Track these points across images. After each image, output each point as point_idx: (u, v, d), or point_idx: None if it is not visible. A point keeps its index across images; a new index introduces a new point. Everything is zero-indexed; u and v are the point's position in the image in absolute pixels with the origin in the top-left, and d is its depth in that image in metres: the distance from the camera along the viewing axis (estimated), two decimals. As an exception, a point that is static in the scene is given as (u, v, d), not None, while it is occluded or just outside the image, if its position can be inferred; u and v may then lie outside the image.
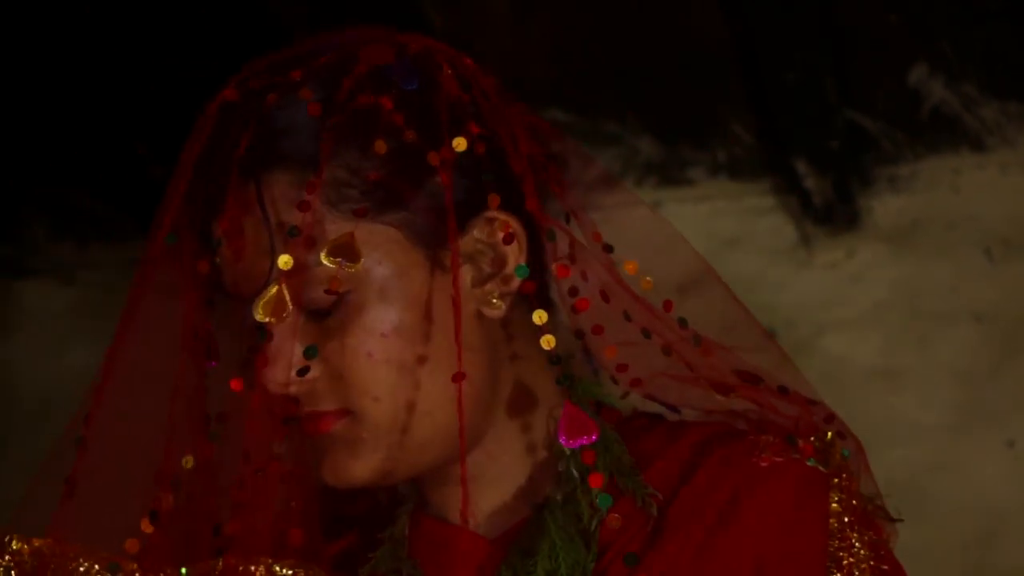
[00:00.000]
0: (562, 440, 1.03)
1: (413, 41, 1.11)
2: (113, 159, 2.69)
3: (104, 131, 2.63)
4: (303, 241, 1.02)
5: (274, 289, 1.02)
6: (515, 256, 1.07)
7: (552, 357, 1.04)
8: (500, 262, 1.07)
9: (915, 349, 2.60)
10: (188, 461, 1.04)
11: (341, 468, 1.05)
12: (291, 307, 1.02)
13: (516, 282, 1.07)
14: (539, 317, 1.04)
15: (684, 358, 1.10)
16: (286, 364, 1.03)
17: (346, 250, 1.03)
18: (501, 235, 1.07)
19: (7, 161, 2.72)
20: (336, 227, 1.03)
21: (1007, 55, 2.43)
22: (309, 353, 1.02)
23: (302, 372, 1.03)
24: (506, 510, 1.09)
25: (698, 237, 2.67)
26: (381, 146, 1.03)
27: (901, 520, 1.12)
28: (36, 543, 1.04)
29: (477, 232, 1.07)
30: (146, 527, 1.02)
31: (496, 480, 1.09)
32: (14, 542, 1.05)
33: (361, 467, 1.05)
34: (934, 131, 2.57)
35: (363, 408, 1.04)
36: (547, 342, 1.03)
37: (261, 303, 1.02)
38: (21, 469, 2.81)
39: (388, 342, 1.03)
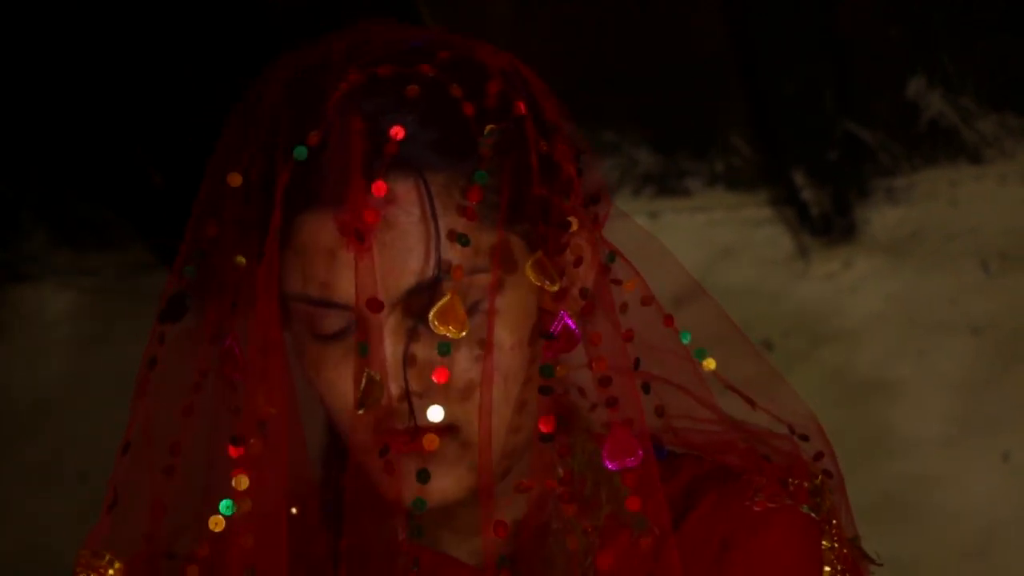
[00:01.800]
0: (606, 461, 1.01)
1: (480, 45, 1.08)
2: (112, 165, 2.69)
3: (103, 137, 2.63)
4: (465, 249, 0.97)
5: (448, 298, 0.97)
6: (582, 279, 1.04)
7: (557, 387, 1.02)
8: (570, 282, 1.04)
9: (912, 361, 2.61)
10: (241, 482, 0.98)
11: (434, 488, 1.00)
12: (468, 321, 0.98)
13: (579, 304, 1.04)
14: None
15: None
16: (424, 376, 0.98)
17: (510, 262, 1.00)
18: (573, 257, 1.04)
19: (5, 167, 2.72)
20: (484, 235, 0.99)
21: (1005, 68, 2.44)
22: (443, 350, 0.97)
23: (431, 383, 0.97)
24: (497, 538, 1.07)
25: (695, 247, 2.70)
26: (534, 159, 1.00)
27: (881, 564, 1.12)
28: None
29: (569, 252, 1.04)
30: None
31: (498, 507, 1.05)
32: (115, 563, 1.03)
33: (456, 484, 1.01)
34: (932, 143, 2.57)
35: (472, 423, 1.00)
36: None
37: (435, 312, 0.97)
38: (18, 472, 2.82)
39: (510, 356, 1.00)
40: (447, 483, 1.01)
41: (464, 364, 0.99)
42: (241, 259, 1.00)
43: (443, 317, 0.97)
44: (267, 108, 1.02)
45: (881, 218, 2.67)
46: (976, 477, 2.53)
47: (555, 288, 1.00)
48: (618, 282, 1.05)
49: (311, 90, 1.00)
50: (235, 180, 1.01)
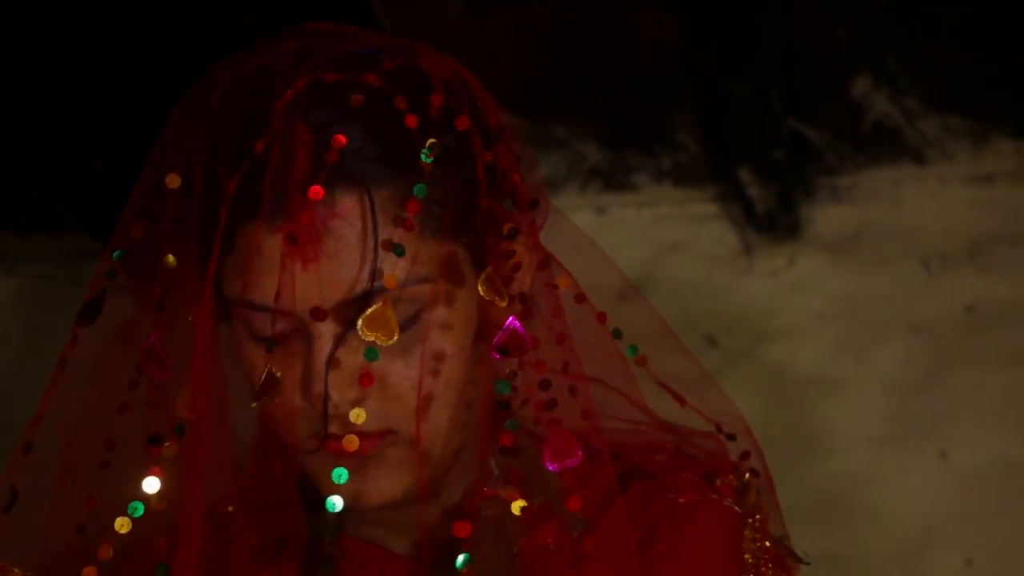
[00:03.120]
0: (547, 463, 1.03)
1: (422, 48, 1.08)
2: (56, 151, 2.66)
3: (47, 123, 2.61)
4: (401, 260, 0.99)
5: (378, 306, 0.98)
6: (519, 283, 1.06)
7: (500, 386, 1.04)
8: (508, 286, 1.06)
9: (852, 359, 2.63)
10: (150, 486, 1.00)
11: (372, 489, 1.02)
12: (398, 330, 0.99)
13: (518, 309, 1.05)
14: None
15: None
16: (350, 380, 0.99)
17: (454, 273, 1.02)
18: (512, 262, 1.06)
19: (-52, 150, 2.69)
20: (425, 246, 1.00)
21: (949, 71, 2.46)
22: (371, 355, 0.98)
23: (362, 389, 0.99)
24: (430, 528, 1.08)
25: (642, 243, 2.71)
26: (480, 170, 1.02)
27: (808, 563, 1.14)
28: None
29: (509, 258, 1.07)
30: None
31: (431, 500, 1.08)
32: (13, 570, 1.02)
33: (393, 487, 1.03)
34: (876, 143, 2.60)
35: (410, 429, 1.01)
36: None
37: (364, 319, 0.98)
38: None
39: (450, 363, 1.02)
40: (385, 484, 1.02)
41: (403, 370, 1.01)
42: (171, 258, 1.01)
43: (371, 324, 0.99)
44: (213, 110, 1.02)
45: (825, 217, 2.69)
46: (914, 475, 2.55)
47: (504, 304, 1.02)
48: (554, 286, 1.06)
49: (257, 94, 1.01)
50: (174, 181, 1.01)
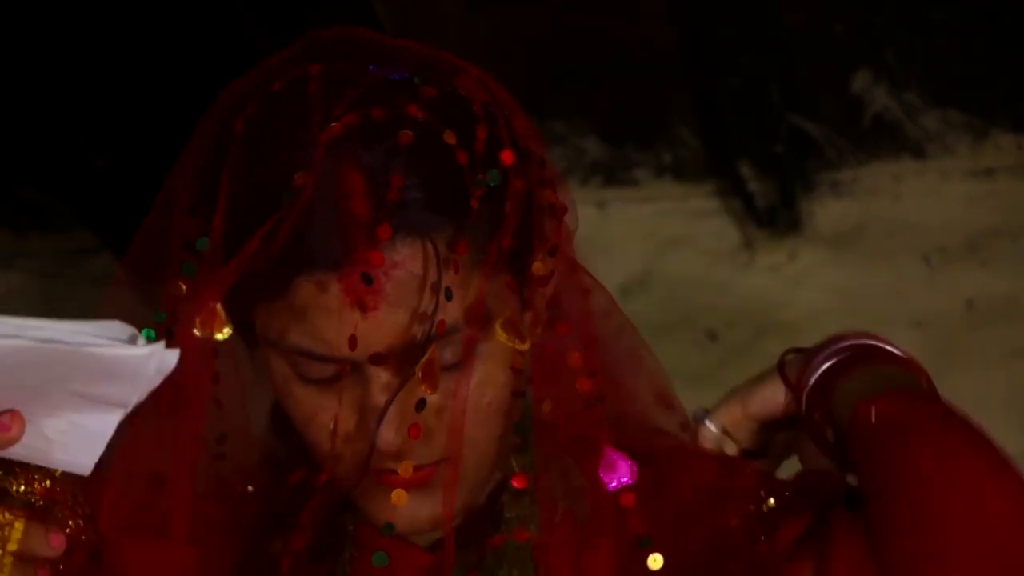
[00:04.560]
0: (606, 482, 1.02)
1: (453, 65, 1.04)
2: (53, 148, 2.66)
3: (44, 120, 2.60)
4: (454, 303, 0.97)
5: (427, 356, 0.97)
6: (544, 295, 1.04)
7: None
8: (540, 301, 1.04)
9: (853, 354, 2.63)
10: None
11: (426, 514, 1.02)
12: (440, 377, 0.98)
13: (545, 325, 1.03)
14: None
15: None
16: (402, 423, 0.98)
17: (500, 308, 1.00)
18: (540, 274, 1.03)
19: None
20: (474, 286, 0.98)
21: (949, 65, 2.46)
22: (420, 406, 0.97)
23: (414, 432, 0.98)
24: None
25: (643, 238, 2.71)
26: (519, 207, 0.99)
27: None
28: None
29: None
30: None
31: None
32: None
33: (437, 513, 1.02)
34: (876, 138, 2.60)
35: (460, 455, 1.00)
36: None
37: (419, 368, 0.96)
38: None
39: (501, 393, 1.00)
40: (433, 508, 1.02)
41: (457, 407, 0.99)
42: (182, 285, 0.98)
43: (425, 373, 0.98)
44: (239, 138, 0.98)
45: (825, 211, 2.68)
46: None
47: (525, 346, 1.00)
48: (586, 290, 1.05)
49: (292, 125, 0.96)
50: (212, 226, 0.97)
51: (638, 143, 2.66)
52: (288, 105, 0.98)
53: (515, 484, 1.02)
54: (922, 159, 2.63)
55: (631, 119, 2.62)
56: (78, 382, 0.89)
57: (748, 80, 2.39)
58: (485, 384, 1.00)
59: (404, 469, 0.98)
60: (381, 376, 0.98)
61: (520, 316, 1.01)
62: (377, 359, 0.97)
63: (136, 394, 0.89)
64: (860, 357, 1.07)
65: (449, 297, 0.96)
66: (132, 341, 0.88)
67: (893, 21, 2.40)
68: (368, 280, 0.94)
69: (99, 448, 0.92)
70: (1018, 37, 2.40)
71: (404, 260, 0.96)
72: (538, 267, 1.00)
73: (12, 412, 0.90)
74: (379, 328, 0.96)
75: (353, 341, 0.95)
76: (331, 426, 0.99)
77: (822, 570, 1.00)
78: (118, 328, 0.88)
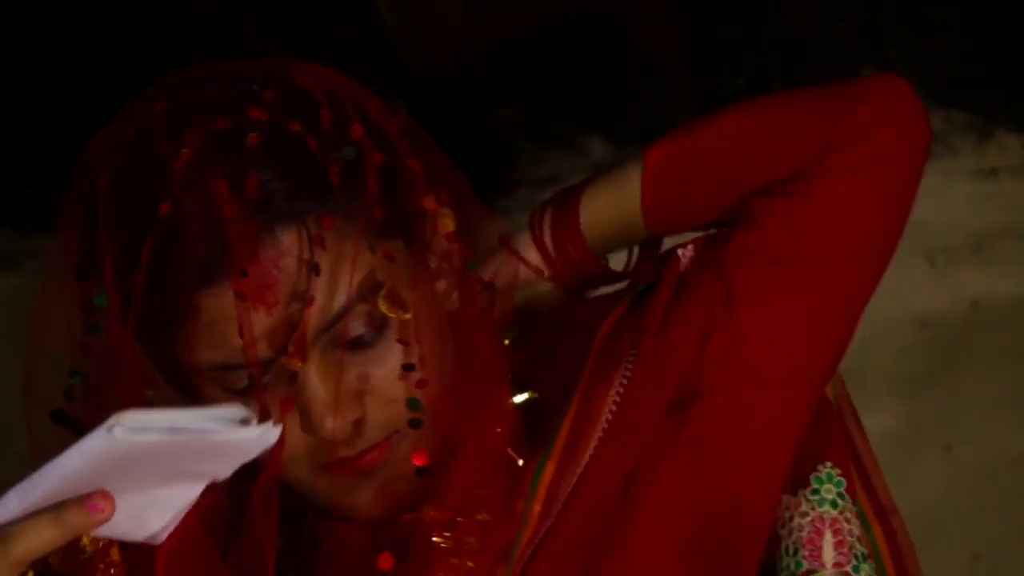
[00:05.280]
0: None
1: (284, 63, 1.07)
2: (56, 148, 2.66)
3: (47, 120, 2.61)
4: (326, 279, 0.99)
5: (300, 328, 0.99)
6: (459, 251, 1.08)
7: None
8: (447, 258, 1.08)
9: (857, 354, 2.61)
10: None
11: (381, 494, 1.04)
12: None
13: (469, 277, 1.08)
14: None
15: None
16: (340, 406, 1.00)
17: (399, 271, 1.02)
18: (445, 232, 1.07)
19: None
20: (365, 256, 1.00)
21: (952, 65, 2.46)
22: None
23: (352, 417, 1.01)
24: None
25: (645, 238, 2.70)
26: (382, 178, 1.02)
27: None
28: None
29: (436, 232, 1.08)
30: None
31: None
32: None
33: (404, 489, 1.04)
34: (880, 138, 2.59)
35: (408, 423, 1.03)
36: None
37: (292, 343, 0.99)
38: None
39: (429, 350, 1.02)
40: (386, 496, 1.04)
41: (389, 374, 1.02)
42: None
43: (296, 347, 0.99)
44: (104, 192, 1.01)
45: (829, 212, 2.68)
46: (919, 471, 2.55)
47: (407, 316, 1.02)
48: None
49: (152, 162, 1.00)
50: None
51: (641, 143, 2.65)
52: (142, 146, 1.01)
53: (415, 461, 1.03)
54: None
55: (634, 119, 2.62)
56: (185, 462, 0.92)
57: (750, 80, 2.39)
58: (411, 352, 1.02)
59: (371, 460, 1.01)
60: (299, 368, 0.99)
61: (415, 285, 1.03)
62: (298, 355, 0.98)
63: (232, 469, 0.93)
64: (567, 193, 1.18)
65: (317, 272, 0.98)
66: (246, 422, 0.92)
67: (895, 21, 2.40)
68: (244, 273, 0.97)
69: (177, 518, 0.95)
70: (1021, 37, 2.40)
71: (287, 249, 0.98)
72: (432, 232, 1.05)
73: (103, 492, 0.91)
74: (283, 323, 0.98)
75: (252, 345, 0.97)
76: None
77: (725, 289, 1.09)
78: (234, 411, 0.93)
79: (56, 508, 0.91)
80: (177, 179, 0.98)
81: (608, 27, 2.43)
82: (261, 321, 0.98)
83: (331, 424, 1.00)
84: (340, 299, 1.00)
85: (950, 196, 2.64)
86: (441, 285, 1.08)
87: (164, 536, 0.95)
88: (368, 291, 1.01)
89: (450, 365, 1.05)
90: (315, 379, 1.00)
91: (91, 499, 0.91)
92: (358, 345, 1.01)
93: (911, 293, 2.63)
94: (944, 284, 2.63)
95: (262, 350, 0.99)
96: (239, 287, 0.97)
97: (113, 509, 0.91)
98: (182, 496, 0.95)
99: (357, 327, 1.00)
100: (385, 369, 1.02)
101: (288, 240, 0.99)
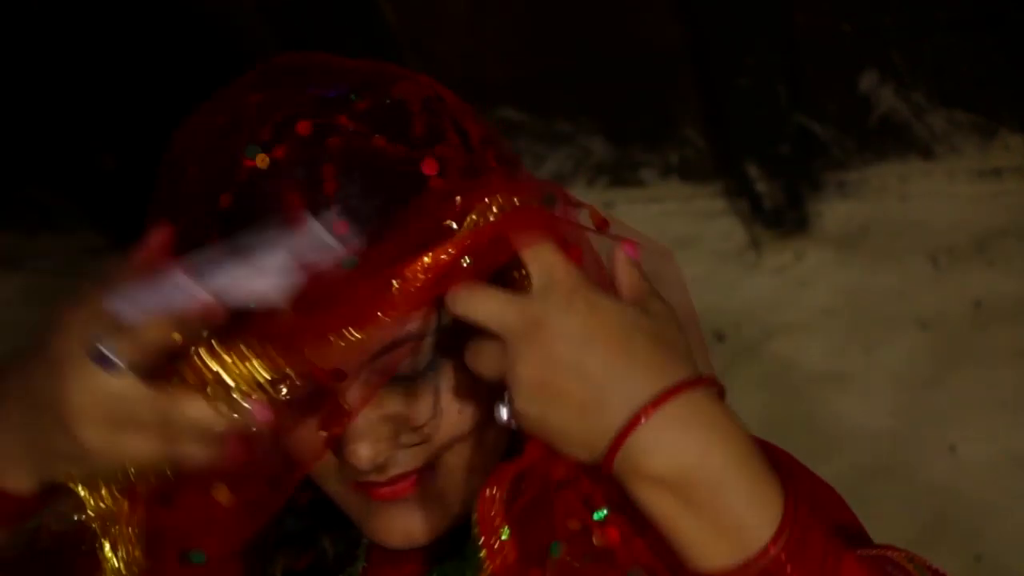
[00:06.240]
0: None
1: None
2: (63, 149, 2.67)
3: (53, 121, 2.61)
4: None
5: (376, 365, 0.96)
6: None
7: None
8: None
9: (861, 354, 2.63)
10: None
11: (410, 527, 1.01)
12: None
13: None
14: None
15: None
16: (373, 436, 0.97)
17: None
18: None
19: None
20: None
21: (956, 65, 2.46)
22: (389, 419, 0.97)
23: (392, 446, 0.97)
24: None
25: (649, 238, 2.70)
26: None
27: None
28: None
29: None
30: None
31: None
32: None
33: (433, 525, 1.01)
34: (883, 138, 2.59)
35: (447, 463, 0.99)
36: None
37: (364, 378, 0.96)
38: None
39: (475, 402, 0.99)
40: (428, 521, 1.01)
41: (430, 411, 0.98)
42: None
43: (370, 383, 0.96)
44: (185, 178, 0.98)
45: (832, 211, 2.68)
46: (923, 470, 2.55)
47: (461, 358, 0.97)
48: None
49: (231, 154, 0.96)
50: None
51: (644, 143, 2.66)
52: (228, 136, 0.97)
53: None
54: (929, 159, 2.63)
55: (637, 119, 2.62)
56: None
57: (755, 80, 2.39)
58: (454, 392, 0.98)
59: (403, 489, 0.98)
60: (352, 390, 0.96)
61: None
62: (338, 375, 0.95)
63: None
64: None
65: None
66: None
67: (900, 21, 2.40)
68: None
69: None
70: (1025, 37, 2.40)
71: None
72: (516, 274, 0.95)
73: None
74: (338, 344, 0.94)
75: (298, 362, 0.93)
76: (312, 443, 0.97)
77: None
78: None
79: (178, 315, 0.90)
80: (251, 181, 0.95)
81: (611, 27, 2.43)
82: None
83: (362, 452, 0.97)
84: (396, 329, 0.95)
85: (953, 196, 2.64)
86: None
87: None
88: (429, 330, 0.96)
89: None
90: (353, 403, 0.97)
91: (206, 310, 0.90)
92: (404, 378, 0.97)
93: (914, 293, 2.63)
94: (947, 284, 2.63)
95: (308, 366, 0.94)
96: (293, 304, 0.92)
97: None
98: None
99: (406, 364, 0.97)
100: (426, 405, 0.98)
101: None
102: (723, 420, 0.91)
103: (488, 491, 0.98)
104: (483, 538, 0.98)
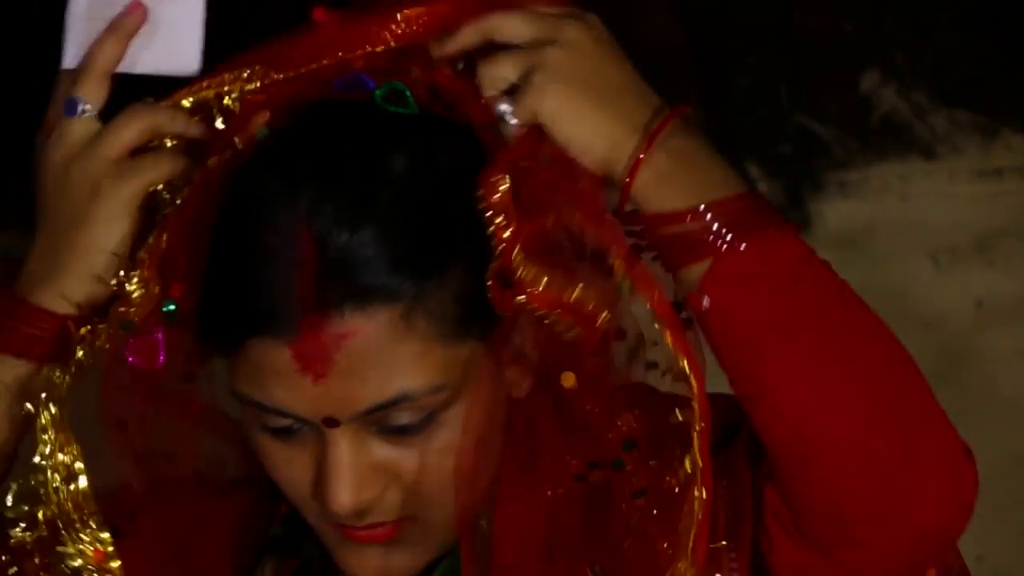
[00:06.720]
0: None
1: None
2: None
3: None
4: (416, 371, 0.93)
5: (372, 417, 0.95)
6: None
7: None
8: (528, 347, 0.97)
9: (861, 354, 2.62)
10: None
11: (396, 567, 0.99)
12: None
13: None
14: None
15: None
16: (356, 485, 0.95)
17: (472, 376, 0.95)
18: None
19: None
20: (440, 353, 0.93)
21: (957, 65, 2.46)
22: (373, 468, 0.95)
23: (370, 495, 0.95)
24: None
25: (649, 238, 2.70)
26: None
27: None
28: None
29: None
30: None
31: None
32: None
33: (413, 561, 1.00)
34: (884, 138, 2.59)
35: (427, 516, 0.98)
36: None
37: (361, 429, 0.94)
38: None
39: (470, 457, 0.96)
40: (403, 561, 0.99)
41: (418, 465, 0.96)
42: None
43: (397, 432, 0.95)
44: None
45: (834, 212, 2.68)
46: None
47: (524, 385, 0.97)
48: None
49: (267, 198, 0.93)
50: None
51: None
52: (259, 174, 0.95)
53: None
54: (931, 159, 2.62)
55: (638, 119, 2.61)
56: None
57: (755, 80, 2.39)
58: (447, 450, 0.96)
59: (383, 534, 0.97)
60: (338, 436, 0.94)
61: (478, 391, 0.95)
62: (330, 422, 0.94)
63: None
64: None
65: (400, 366, 0.93)
66: None
67: (902, 21, 2.40)
68: (301, 363, 0.91)
69: (199, 39, 1.01)
70: (1027, 37, 2.40)
71: (358, 329, 0.91)
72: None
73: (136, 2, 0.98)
74: (329, 394, 0.93)
75: (292, 404, 0.93)
76: (292, 477, 0.97)
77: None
78: None
79: (106, 32, 0.99)
80: (267, 205, 0.93)
81: (611, 27, 2.43)
82: (307, 386, 0.92)
83: (343, 499, 0.95)
84: (395, 389, 0.93)
85: (955, 196, 2.63)
86: (512, 373, 0.97)
87: (197, 63, 0.99)
88: (427, 392, 0.94)
89: (492, 458, 0.98)
90: (342, 451, 0.95)
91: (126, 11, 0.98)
92: (398, 429, 0.95)
93: (915, 293, 2.63)
94: (948, 284, 2.63)
95: (300, 409, 0.94)
96: (299, 353, 0.91)
97: (144, 15, 0.98)
98: (190, 13, 1.00)
99: (403, 417, 0.94)
100: (416, 460, 0.96)
101: (358, 321, 0.91)
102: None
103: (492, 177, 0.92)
104: (496, 220, 0.92)
